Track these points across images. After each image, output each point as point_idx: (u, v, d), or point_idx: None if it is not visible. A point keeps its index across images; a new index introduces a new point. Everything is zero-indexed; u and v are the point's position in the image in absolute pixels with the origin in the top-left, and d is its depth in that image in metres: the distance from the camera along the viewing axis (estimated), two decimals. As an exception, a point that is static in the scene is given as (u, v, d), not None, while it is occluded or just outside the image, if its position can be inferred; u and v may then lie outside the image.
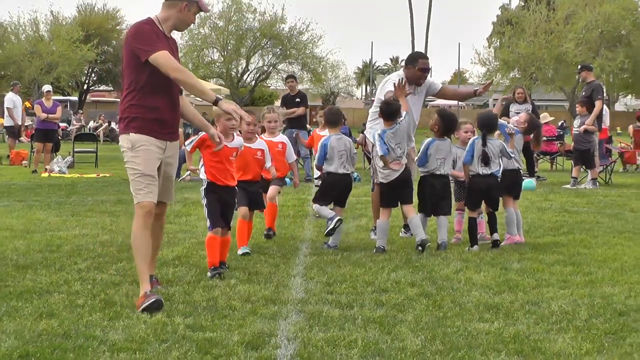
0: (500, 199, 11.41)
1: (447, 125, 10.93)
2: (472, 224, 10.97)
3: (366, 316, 7.29)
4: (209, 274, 8.83)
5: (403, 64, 12.52)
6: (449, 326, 6.92)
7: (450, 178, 11.23)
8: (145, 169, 7.70)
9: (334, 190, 10.98)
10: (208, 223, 9.03)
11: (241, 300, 7.77)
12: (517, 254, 10.49)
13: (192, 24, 8.36)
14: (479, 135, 11.18)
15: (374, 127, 11.39)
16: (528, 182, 19.29)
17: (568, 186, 19.92)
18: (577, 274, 9.22)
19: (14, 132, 28.04)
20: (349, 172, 11.10)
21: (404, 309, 7.48)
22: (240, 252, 10.20)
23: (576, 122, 20.62)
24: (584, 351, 6.32)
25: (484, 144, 10.84)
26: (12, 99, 27.40)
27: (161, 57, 7.55)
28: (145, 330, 6.73)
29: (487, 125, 11.17)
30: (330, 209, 10.82)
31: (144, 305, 7.25)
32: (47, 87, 26.35)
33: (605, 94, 21.65)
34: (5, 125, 28.09)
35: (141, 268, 7.63)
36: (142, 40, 7.63)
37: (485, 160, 10.86)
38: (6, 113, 27.24)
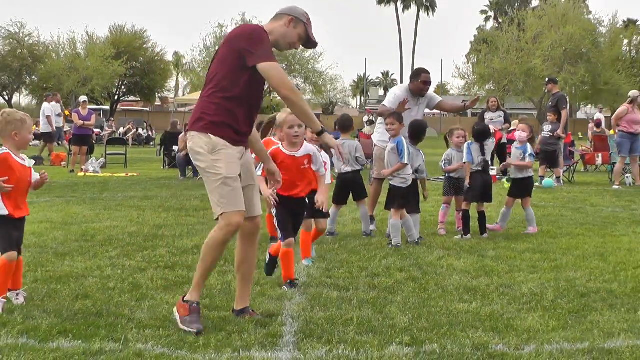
0: (520, 200, 11.86)
1: (414, 133, 10.98)
2: (467, 216, 11.08)
3: (361, 298, 7.27)
4: (284, 287, 7.65)
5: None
6: (433, 306, 6.91)
7: (442, 176, 11.54)
8: (230, 172, 6.14)
9: (345, 186, 11.19)
10: (279, 234, 7.93)
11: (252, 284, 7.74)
12: (492, 243, 10.48)
13: (295, 48, 6.89)
14: (472, 140, 11.35)
15: (380, 132, 11.86)
16: (547, 181, 19.34)
17: (536, 184, 19.86)
18: (545, 261, 9.21)
19: (52, 136, 28.04)
20: (355, 168, 11.15)
21: (393, 291, 7.48)
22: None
23: (546, 127, 20.57)
24: (551, 328, 6.30)
25: (483, 153, 11.12)
26: (49, 108, 27.50)
27: (275, 70, 6.17)
28: (168, 310, 6.71)
29: (481, 136, 11.35)
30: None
31: (184, 327, 6.07)
32: (83, 98, 26.44)
33: (568, 104, 21.61)
34: (42, 131, 28.09)
35: (200, 279, 6.30)
36: (257, 44, 6.14)
37: (486, 167, 11.23)
38: (45, 120, 27.26)
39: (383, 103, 12.22)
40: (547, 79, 22.43)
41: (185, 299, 6.23)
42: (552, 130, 20.18)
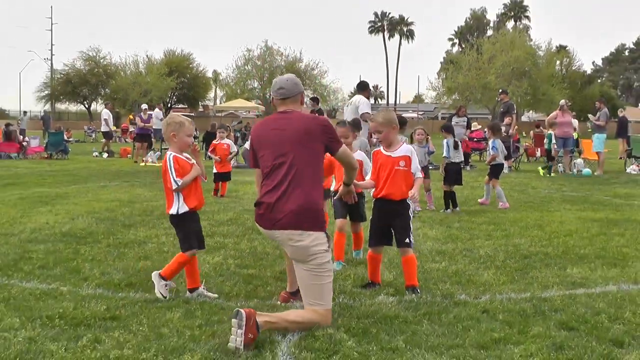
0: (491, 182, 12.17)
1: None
2: (447, 195, 11.31)
3: (355, 259, 7.26)
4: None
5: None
6: (411, 265, 6.89)
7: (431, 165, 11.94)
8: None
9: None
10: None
11: (272, 247, 7.74)
12: (457, 217, 10.46)
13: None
14: (449, 138, 11.69)
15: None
16: (587, 171, 19.29)
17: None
18: (497, 230, 9.19)
19: (110, 134, 28.81)
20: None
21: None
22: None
23: (503, 128, 20.54)
24: (501, 282, 6.30)
25: (456, 147, 11.50)
26: (108, 112, 28.30)
27: (347, 151, 5.28)
28: (208, 268, 6.73)
29: (448, 130, 11.89)
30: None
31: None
32: (144, 106, 26.72)
33: (515, 110, 21.69)
34: (102, 130, 28.67)
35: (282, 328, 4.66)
36: (334, 133, 5.10)
37: (460, 155, 11.70)
38: (104, 123, 27.85)
39: (366, 111, 12.26)
40: (500, 90, 22.37)
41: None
42: (506, 130, 20.20)
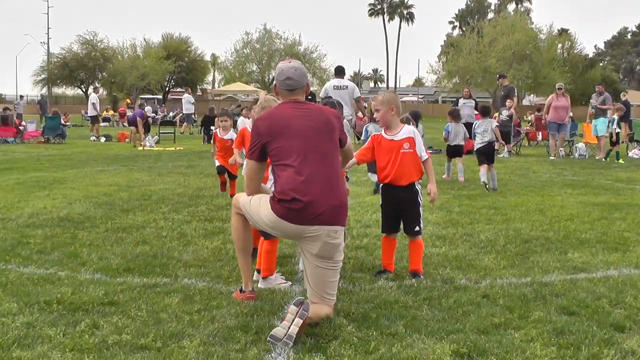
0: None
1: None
2: (449, 167, 13.08)
3: (356, 243, 7.26)
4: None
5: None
6: (411, 250, 6.89)
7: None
8: None
9: None
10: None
11: (272, 232, 7.75)
12: (458, 201, 10.45)
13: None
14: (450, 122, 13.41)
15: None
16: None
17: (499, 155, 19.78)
18: (498, 215, 9.19)
19: (97, 119, 29.10)
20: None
21: (381, 239, 7.40)
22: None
23: (504, 112, 20.48)
24: (502, 266, 6.30)
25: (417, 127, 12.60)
26: (96, 97, 28.92)
27: (351, 143, 5.37)
28: (207, 253, 6.73)
29: (415, 116, 12.22)
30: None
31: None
32: (150, 112, 27.60)
33: (516, 93, 21.69)
34: (90, 115, 28.90)
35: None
36: (343, 125, 5.11)
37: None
38: (91, 106, 28.15)
39: (360, 95, 13.27)
40: (498, 75, 22.32)
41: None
42: (508, 114, 20.14)
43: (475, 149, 12.54)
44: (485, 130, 12.35)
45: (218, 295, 5.27)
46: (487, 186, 11.81)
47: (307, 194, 4.55)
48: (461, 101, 21.24)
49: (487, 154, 12.31)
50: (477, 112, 20.54)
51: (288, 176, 4.61)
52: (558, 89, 20.35)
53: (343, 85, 13.95)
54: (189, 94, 29.12)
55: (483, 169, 12.11)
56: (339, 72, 14.35)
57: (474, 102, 21.02)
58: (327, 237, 4.58)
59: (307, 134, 4.71)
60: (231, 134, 10.69)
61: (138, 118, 24.50)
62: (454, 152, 13.55)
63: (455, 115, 13.58)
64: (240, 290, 5.18)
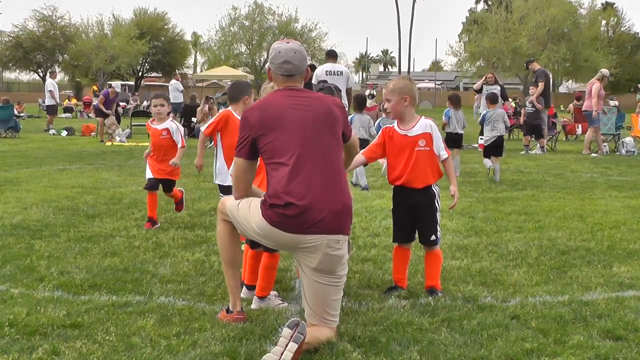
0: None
1: (357, 103, 12.59)
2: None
3: (363, 255, 7.27)
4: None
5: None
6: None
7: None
8: None
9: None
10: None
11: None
12: (482, 205, 10.46)
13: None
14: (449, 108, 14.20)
15: None
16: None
17: (522, 153, 19.79)
18: (529, 221, 9.19)
19: (53, 109, 28.88)
20: (364, 137, 11.74)
21: (392, 249, 7.39)
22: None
23: (529, 102, 20.55)
24: (534, 282, 6.30)
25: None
26: (52, 83, 28.39)
27: (356, 137, 5.39)
28: (188, 267, 6.73)
29: (456, 101, 14.29)
30: None
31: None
32: (118, 87, 27.04)
33: (551, 79, 21.65)
34: (47, 104, 28.65)
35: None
36: (347, 116, 5.16)
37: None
38: (49, 95, 27.87)
39: (352, 85, 13.60)
40: (525, 62, 22.40)
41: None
42: (530, 102, 20.15)
43: (484, 143, 13.79)
44: (497, 121, 13.47)
45: (200, 316, 5.27)
46: (490, 169, 13.23)
47: (304, 197, 4.53)
48: (486, 87, 21.28)
49: (496, 148, 13.70)
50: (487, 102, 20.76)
51: (282, 176, 4.58)
52: (606, 75, 20.35)
53: (337, 71, 14.14)
54: (178, 79, 29.01)
55: (492, 160, 13.60)
56: (332, 55, 14.85)
57: (499, 88, 21.05)
58: (327, 248, 4.56)
59: (305, 126, 4.68)
60: (168, 124, 8.89)
61: (102, 96, 24.45)
62: (454, 141, 13.98)
63: (455, 101, 14.34)
64: (227, 311, 5.18)
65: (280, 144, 4.64)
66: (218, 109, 22.85)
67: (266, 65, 5.11)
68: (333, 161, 4.72)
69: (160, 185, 9.06)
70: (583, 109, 20.46)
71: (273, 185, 4.62)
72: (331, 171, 4.67)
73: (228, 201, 4.96)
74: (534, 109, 20.09)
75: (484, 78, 22.10)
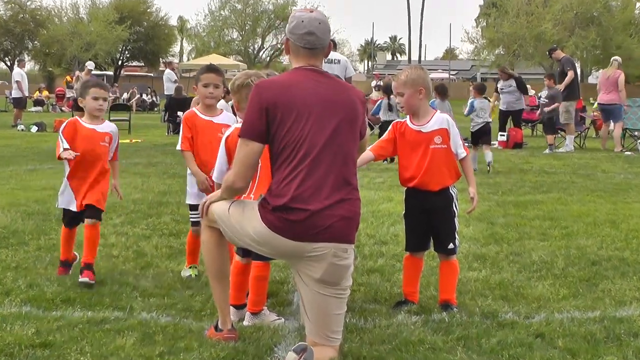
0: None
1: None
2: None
3: (369, 266, 7.26)
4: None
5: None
6: (442, 274, 6.88)
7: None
8: None
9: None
10: None
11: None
12: (502, 209, 10.46)
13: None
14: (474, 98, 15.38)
15: None
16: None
17: (546, 152, 19.74)
18: (555, 228, 9.19)
19: (21, 102, 28.62)
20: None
21: (401, 259, 7.37)
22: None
23: (543, 93, 20.59)
24: (561, 296, 6.29)
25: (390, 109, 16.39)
26: (20, 73, 28.22)
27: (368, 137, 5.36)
28: (173, 278, 6.73)
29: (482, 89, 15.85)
30: None
31: None
32: (90, 65, 26.37)
33: (579, 68, 21.72)
34: (13, 96, 28.55)
35: None
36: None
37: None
38: (16, 86, 27.80)
39: (353, 74, 13.73)
40: (547, 51, 22.44)
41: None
42: (548, 96, 20.14)
43: (471, 129, 15.09)
44: (483, 110, 14.72)
45: (187, 334, 5.26)
46: (490, 165, 14.36)
47: (314, 200, 4.47)
48: (499, 84, 21.33)
49: (483, 135, 14.81)
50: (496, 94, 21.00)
51: (292, 176, 4.50)
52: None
53: (335, 59, 14.17)
54: (172, 69, 28.90)
55: (485, 149, 14.71)
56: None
57: (514, 82, 21.11)
58: (334, 258, 4.52)
59: (328, 120, 4.60)
60: (108, 126, 7.13)
61: (78, 73, 24.33)
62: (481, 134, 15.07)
63: (441, 92, 16.04)
64: (216, 328, 5.16)
65: (296, 137, 4.53)
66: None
67: (280, 39, 5.05)
68: (348, 163, 4.67)
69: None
70: (605, 102, 20.38)
71: (279, 183, 4.54)
72: (346, 174, 4.63)
73: (215, 205, 4.90)
74: (546, 100, 20.14)
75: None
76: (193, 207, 6.81)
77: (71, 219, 6.96)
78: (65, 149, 6.68)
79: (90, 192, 6.78)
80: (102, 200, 6.84)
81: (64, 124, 7.05)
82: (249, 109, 4.62)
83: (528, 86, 22.66)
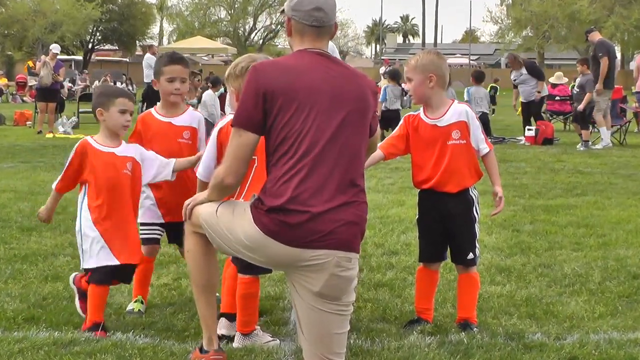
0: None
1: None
2: None
3: (376, 279, 7.28)
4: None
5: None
6: (460, 289, 6.90)
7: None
8: None
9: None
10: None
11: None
12: (530, 215, 10.47)
13: None
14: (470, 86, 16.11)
15: None
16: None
17: (580, 148, 19.75)
18: (591, 236, 9.19)
19: None
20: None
21: (414, 271, 7.37)
22: None
23: (552, 80, 20.64)
24: (597, 314, 6.31)
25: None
26: None
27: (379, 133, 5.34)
28: (152, 294, 6.74)
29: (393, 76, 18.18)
30: None
31: None
32: (56, 48, 26.16)
33: (619, 52, 21.72)
34: None
35: None
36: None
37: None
38: None
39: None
40: (585, 33, 22.41)
41: None
42: (579, 85, 20.18)
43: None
44: (480, 98, 15.37)
45: (168, 357, 5.29)
46: None
47: (315, 202, 4.46)
48: (512, 75, 21.40)
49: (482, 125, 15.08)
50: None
51: (291, 173, 4.49)
52: None
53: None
54: (153, 53, 28.76)
55: None
56: None
57: (524, 69, 21.15)
58: (336, 268, 4.50)
59: (335, 111, 4.60)
60: (129, 149, 6.18)
61: (44, 58, 24.19)
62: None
63: (477, 77, 17.09)
64: (201, 350, 5.18)
65: (297, 129, 4.52)
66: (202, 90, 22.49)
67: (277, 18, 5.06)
68: (355, 162, 4.67)
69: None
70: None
71: (275, 182, 4.52)
72: (352, 174, 4.62)
73: (201, 207, 4.88)
74: (578, 89, 20.22)
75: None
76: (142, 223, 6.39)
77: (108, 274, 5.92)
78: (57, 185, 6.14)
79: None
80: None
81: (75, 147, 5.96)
82: (243, 94, 4.60)
83: (560, 73, 22.66)
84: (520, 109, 21.89)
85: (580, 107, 19.85)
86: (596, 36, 21.14)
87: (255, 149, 4.63)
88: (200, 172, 5.48)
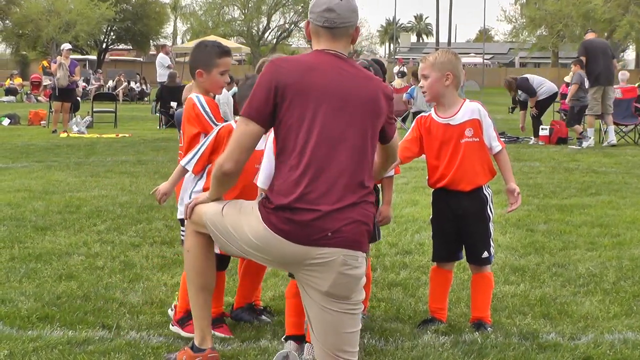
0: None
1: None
2: None
3: (390, 279, 7.27)
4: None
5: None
6: (474, 289, 6.89)
7: None
8: None
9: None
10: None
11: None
12: (544, 215, 10.45)
13: None
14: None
15: None
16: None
17: (580, 147, 19.58)
18: (605, 236, 9.17)
19: None
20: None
21: (427, 271, 7.37)
22: None
23: (567, 79, 20.60)
24: (612, 314, 6.29)
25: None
26: None
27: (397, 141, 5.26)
28: (166, 293, 6.74)
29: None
30: None
31: None
32: (67, 46, 26.20)
33: (633, 51, 21.69)
34: None
35: None
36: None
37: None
38: None
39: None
40: (586, 31, 22.49)
41: None
42: (573, 82, 20.21)
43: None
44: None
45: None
46: None
47: (323, 201, 4.48)
48: (519, 94, 21.61)
49: None
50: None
51: (300, 170, 4.52)
52: None
53: None
54: (166, 53, 28.83)
55: None
56: None
57: (520, 91, 21.27)
58: (343, 266, 4.52)
59: (344, 111, 4.62)
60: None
61: (59, 59, 24.10)
62: None
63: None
64: (193, 348, 5.18)
65: (306, 128, 4.55)
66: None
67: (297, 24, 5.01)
68: (365, 164, 4.66)
69: None
70: None
71: (283, 180, 4.54)
72: (361, 175, 4.62)
73: (205, 206, 4.87)
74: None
75: None
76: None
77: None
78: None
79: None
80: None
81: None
82: (256, 86, 4.61)
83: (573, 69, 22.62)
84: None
85: (567, 99, 19.98)
86: (589, 37, 21.18)
87: (258, 141, 4.65)
88: (260, 180, 5.10)
